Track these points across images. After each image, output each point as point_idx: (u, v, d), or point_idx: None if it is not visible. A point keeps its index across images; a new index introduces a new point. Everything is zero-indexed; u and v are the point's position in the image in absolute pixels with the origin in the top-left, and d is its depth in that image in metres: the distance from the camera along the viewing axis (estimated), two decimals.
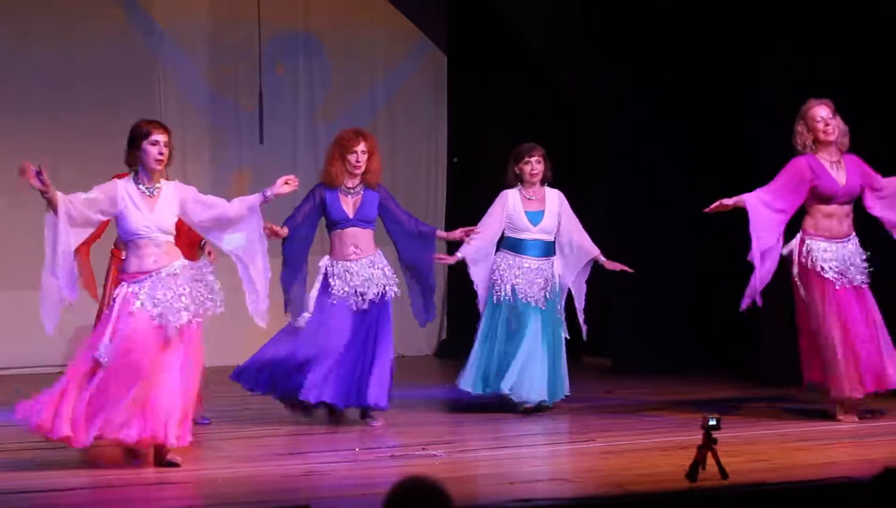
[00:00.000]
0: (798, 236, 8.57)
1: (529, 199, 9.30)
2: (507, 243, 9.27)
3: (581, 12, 11.53)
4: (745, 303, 8.56)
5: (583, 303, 9.34)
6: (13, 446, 8.05)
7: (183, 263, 7.35)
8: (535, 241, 9.24)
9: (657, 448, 7.74)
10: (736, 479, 6.53)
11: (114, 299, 7.33)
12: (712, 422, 6.55)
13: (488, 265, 9.24)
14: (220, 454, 7.83)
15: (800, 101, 10.37)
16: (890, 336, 8.59)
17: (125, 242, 7.40)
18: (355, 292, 8.65)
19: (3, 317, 11.72)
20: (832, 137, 8.50)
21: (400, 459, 7.47)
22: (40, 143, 11.77)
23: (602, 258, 9.33)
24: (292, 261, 8.74)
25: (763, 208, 8.48)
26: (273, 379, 8.70)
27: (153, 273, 7.24)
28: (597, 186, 11.76)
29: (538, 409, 9.07)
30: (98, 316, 8.29)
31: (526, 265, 9.19)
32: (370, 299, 8.67)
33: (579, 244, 9.32)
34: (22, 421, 7.29)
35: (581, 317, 9.30)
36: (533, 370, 9.05)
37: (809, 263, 8.47)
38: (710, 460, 6.52)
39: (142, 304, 7.19)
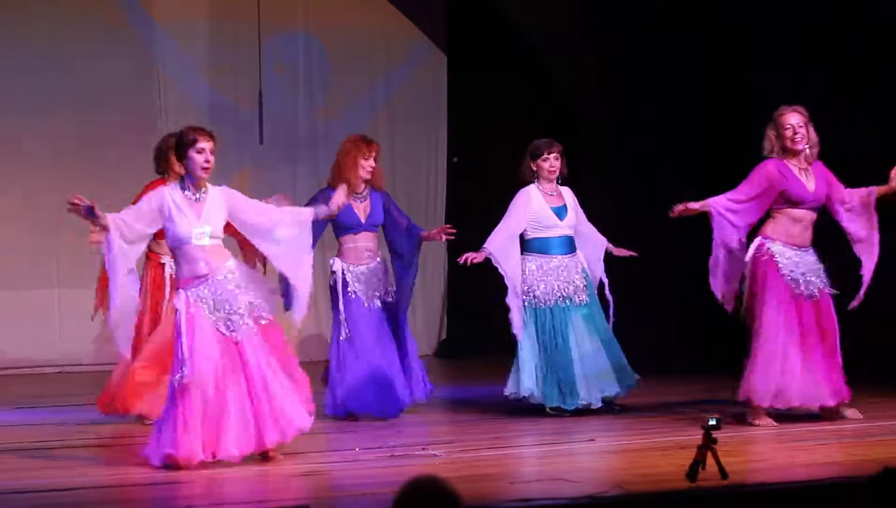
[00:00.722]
0: (757, 239, 8.50)
1: (551, 195, 9.21)
2: (534, 246, 9.11)
3: (581, 12, 11.53)
4: (727, 305, 8.57)
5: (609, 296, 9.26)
6: (14, 446, 8.05)
7: (236, 263, 7.41)
8: (562, 237, 9.16)
9: (657, 447, 7.74)
10: (736, 479, 6.53)
11: (176, 311, 7.28)
12: (712, 422, 6.55)
13: (517, 260, 9.04)
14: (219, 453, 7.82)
15: (801, 101, 10.39)
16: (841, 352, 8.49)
17: (173, 249, 7.39)
18: (375, 294, 8.97)
19: (4, 317, 11.71)
20: (800, 146, 8.42)
21: (400, 459, 7.46)
22: (40, 143, 11.78)
23: (610, 246, 9.38)
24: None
25: (727, 216, 8.42)
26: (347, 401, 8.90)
27: (208, 277, 7.25)
28: (597, 185, 11.76)
29: (609, 405, 9.05)
30: (139, 323, 8.26)
31: (556, 264, 9.10)
32: (382, 295, 9.02)
33: (592, 237, 9.35)
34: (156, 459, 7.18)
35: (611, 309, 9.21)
36: (598, 368, 9.00)
37: (769, 264, 8.40)
38: (710, 460, 6.52)
39: (205, 307, 7.20)
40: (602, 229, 9.92)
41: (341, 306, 8.87)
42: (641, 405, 9.31)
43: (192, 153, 7.32)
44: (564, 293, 9.05)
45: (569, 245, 9.19)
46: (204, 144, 7.32)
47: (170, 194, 7.31)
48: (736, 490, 6.41)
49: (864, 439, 7.92)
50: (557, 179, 9.25)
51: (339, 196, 7.78)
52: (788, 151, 8.44)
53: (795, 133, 8.40)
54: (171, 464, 7.09)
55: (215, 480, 7.02)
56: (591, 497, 6.27)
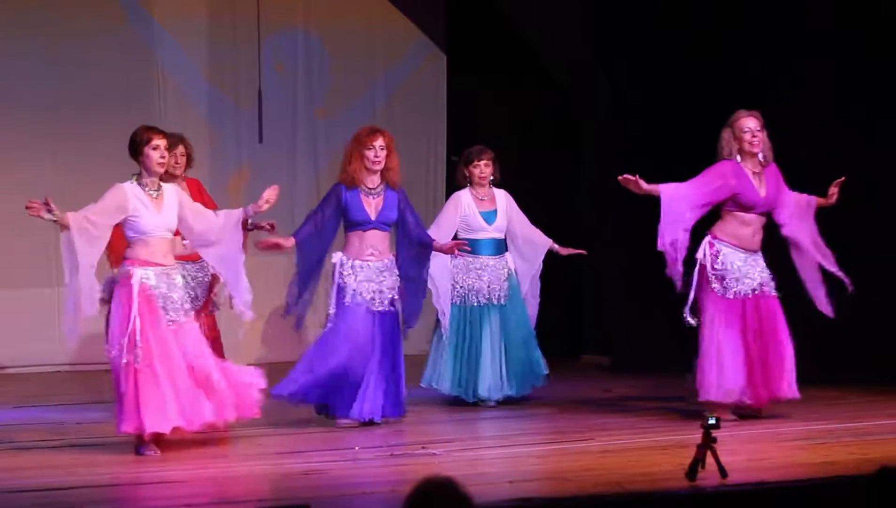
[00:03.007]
0: (706, 239, 8.61)
1: (482, 199, 9.60)
2: None
3: (581, 12, 11.53)
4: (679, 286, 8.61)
5: (538, 296, 9.66)
6: (14, 445, 8.05)
7: (184, 263, 7.89)
8: (490, 240, 9.56)
9: (656, 446, 7.74)
10: (735, 478, 6.53)
11: (126, 285, 7.57)
12: (712, 421, 6.55)
13: (445, 264, 9.41)
14: (219, 452, 7.83)
15: (800, 101, 10.41)
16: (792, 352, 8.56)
17: (133, 240, 7.69)
18: (371, 293, 8.55)
19: (4, 317, 11.71)
20: (756, 149, 8.57)
21: (400, 458, 7.47)
22: (40, 142, 11.78)
23: (556, 247, 9.67)
24: (305, 271, 8.63)
25: (674, 206, 8.51)
26: (310, 390, 8.55)
27: (162, 266, 7.68)
28: (596, 185, 11.76)
29: (503, 403, 9.44)
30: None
31: (482, 264, 9.48)
32: (386, 304, 8.60)
33: (531, 239, 9.63)
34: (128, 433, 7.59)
35: (535, 310, 9.64)
36: (504, 367, 9.43)
37: (717, 265, 8.52)
38: (709, 459, 6.52)
39: (152, 288, 7.58)
40: (602, 229, 9.95)
41: (333, 299, 8.54)
42: (641, 405, 9.31)
43: (148, 151, 7.68)
44: (485, 293, 9.49)
45: (496, 247, 9.60)
46: (158, 141, 7.70)
47: (131, 190, 7.67)
48: (735, 489, 6.41)
49: (863, 438, 7.91)
50: (491, 183, 9.62)
51: (269, 193, 7.94)
52: (745, 154, 8.59)
53: (753, 136, 8.57)
54: (136, 435, 7.52)
55: (215, 480, 7.02)
56: (590, 497, 6.27)
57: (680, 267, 8.54)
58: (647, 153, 11.21)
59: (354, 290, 8.52)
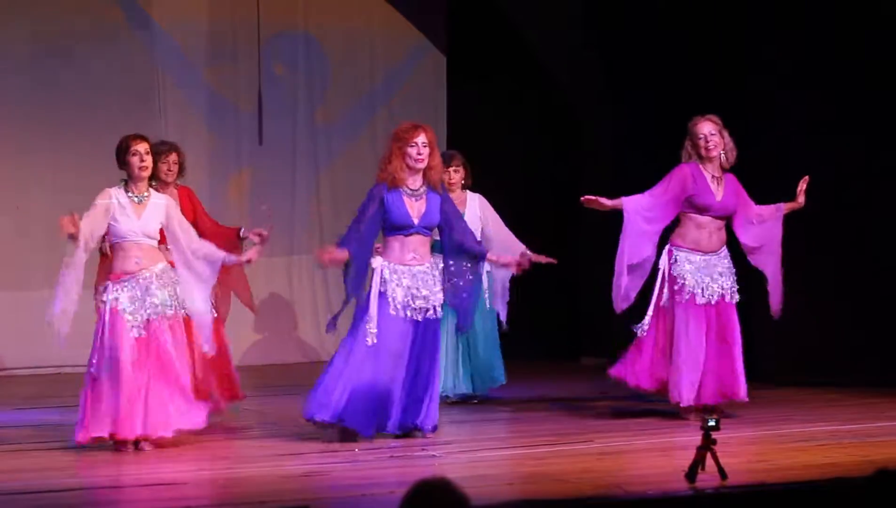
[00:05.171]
0: (667, 247, 8.73)
1: None
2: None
3: (581, 12, 11.53)
4: (618, 308, 8.74)
5: (507, 298, 9.62)
6: (15, 447, 8.06)
7: (164, 266, 7.87)
8: None
9: (656, 448, 7.75)
10: (735, 480, 6.53)
11: (103, 302, 7.78)
12: (711, 423, 6.55)
13: None
14: (219, 454, 7.84)
15: (801, 101, 10.40)
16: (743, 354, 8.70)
17: (114, 245, 7.87)
18: (413, 300, 7.90)
19: (3, 317, 11.71)
20: (713, 154, 8.68)
21: (400, 459, 7.46)
22: (40, 145, 11.78)
23: (529, 253, 9.45)
24: (356, 284, 7.98)
25: (638, 219, 8.65)
26: (350, 412, 7.89)
27: (135, 274, 7.77)
28: (596, 185, 11.75)
29: (467, 401, 9.59)
30: None
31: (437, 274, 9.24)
32: (429, 312, 7.98)
33: (506, 243, 9.47)
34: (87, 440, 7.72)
35: (505, 312, 9.60)
36: (460, 366, 9.55)
37: (673, 272, 8.63)
38: (709, 460, 6.52)
39: (122, 307, 7.70)
40: (602, 230, 9.92)
41: (373, 308, 7.84)
42: (641, 407, 9.31)
43: (128, 158, 7.83)
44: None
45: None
46: (137, 147, 7.83)
47: (115, 194, 7.81)
48: (736, 490, 6.41)
49: (863, 440, 7.91)
50: (463, 187, 9.65)
51: (253, 253, 8.09)
52: (704, 159, 8.70)
53: (708, 141, 8.68)
54: (87, 444, 7.66)
55: (215, 481, 7.03)
56: (589, 498, 6.27)
57: (638, 285, 8.66)
58: (647, 153, 11.21)
59: (394, 298, 7.87)
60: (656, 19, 11.10)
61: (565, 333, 12.34)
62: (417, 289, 7.93)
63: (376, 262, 7.96)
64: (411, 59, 13.04)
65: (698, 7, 10.91)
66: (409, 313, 7.91)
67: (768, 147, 10.14)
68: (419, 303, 7.93)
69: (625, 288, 8.67)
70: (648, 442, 7.94)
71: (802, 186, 8.77)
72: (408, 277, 7.92)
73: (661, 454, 7.51)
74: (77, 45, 11.90)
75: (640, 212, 8.64)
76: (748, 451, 7.53)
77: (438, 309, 8.01)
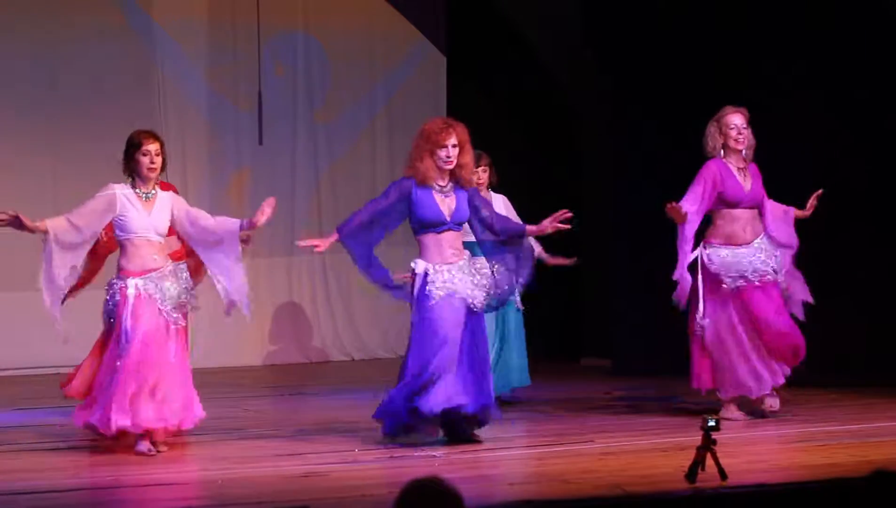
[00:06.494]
0: (699, 247, 8.66)
1: None
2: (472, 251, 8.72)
3: (581, 12, 11.53)
4: (683, 306, 8.67)
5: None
6: (15, 447, 8.06)
7: (175, 264, 7.86)
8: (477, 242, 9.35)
9: (656, 448, 7.75)
10: (735, 480, 6.53)
11: (122, 295, 7.69)
12: (711, 423, 6.55)
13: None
14: (219, 454, 7.83)
15: (801, 101, 10.41)
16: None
17: (122, 241, 7.77)
18: (467, 292, 7.82)
19: (3, 317, 11.70)
20: (741, 146, 8.65)
21: (399, 459, 7.47)
22: (39, 144, 11.78)
23: (545, 255, 9.57)
24: (364, 261, 7.90)
25: (695, 222, 8.59)
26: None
27: (159, 270, 7.72)
28: (596, 186, 11.77)
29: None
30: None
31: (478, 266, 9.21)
32: (479, 305, 7.89)
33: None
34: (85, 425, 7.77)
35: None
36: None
37: (711, 269, 8.58)
38: (709, 461, 6.52)
39: (156, 297, 7.66)
40: (601, 229, 9.95)
41: (430, 307, 7.74)
42: (641, 406, 9.31)
43: (138, 156, 7.76)
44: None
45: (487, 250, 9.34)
46: (149, 146, 7.76)
47: (121, 190, 7.75)
48: (736, 491, 6.41)
49: (863, 440, 7.92)
50: (488, 187, 9.52)
51: (267, 208, 7.73)
52: (729, 150, 8.66)
53: (739, 133, 8.64)
54: (103, 431, 7.60)
55: (215, 482, 7.02)
56: (590, 499, 6.27)
57: (686, 285, 8.60)
58: (647, 153, 11.22)
59: (445, 293, 7.77)
60: (656, 19, 11.10)
61: (566, 333, 12.34)
62: (470, 282, 7.87)
63: (419, 266, 7.85)
64: (411, 59, 13.04)
65: (698, 7, 10.91)
66: (458, 303, 7.81)
67: (768, 147, 10.13)
68: (472, 295, 7.85)
69: (688, 288, 8.57)
70: (649, 442, 7.94)
71: (814, 201, 8.73)
72: (456, 272, 7.85)
73: (661, 454, 7.51)
74: (77, 46, 11.90)
75: (694, 215, 8.55)
76: (748, 451, 7.53)
77: (479, 303, 7.91)
